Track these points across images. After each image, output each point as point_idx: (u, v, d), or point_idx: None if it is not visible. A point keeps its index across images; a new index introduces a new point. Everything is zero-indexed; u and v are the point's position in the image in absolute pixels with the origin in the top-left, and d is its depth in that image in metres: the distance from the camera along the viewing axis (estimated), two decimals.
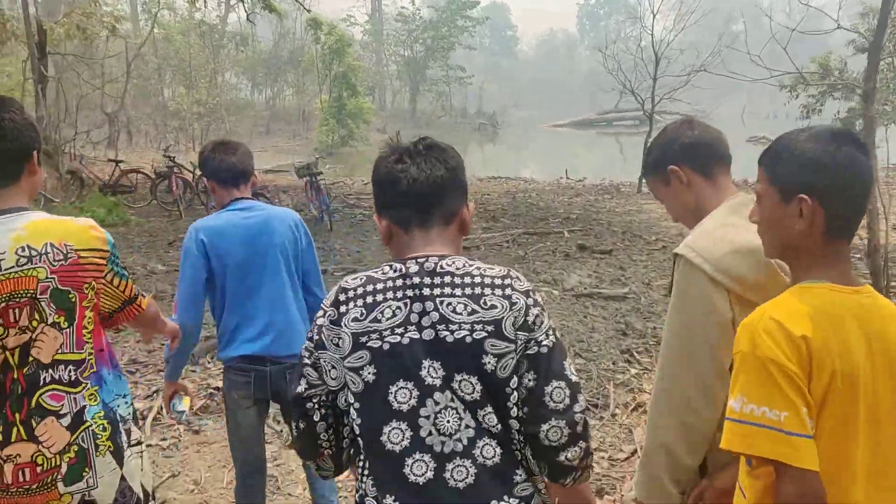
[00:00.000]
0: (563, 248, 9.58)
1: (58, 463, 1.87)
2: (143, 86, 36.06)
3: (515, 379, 1.48)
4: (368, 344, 1.46)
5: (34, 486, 1.87)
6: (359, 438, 1.49)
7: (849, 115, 20.83)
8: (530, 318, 1.49)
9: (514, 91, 72.74)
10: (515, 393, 1.48)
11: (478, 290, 1.48)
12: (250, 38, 45.48)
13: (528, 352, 1.49)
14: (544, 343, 1.50)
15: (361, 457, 1.50)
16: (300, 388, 1.52)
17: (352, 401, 1.47)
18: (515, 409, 1.49)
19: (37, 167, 1.97)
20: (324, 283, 2.93)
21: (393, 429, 1.44)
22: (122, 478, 1.94)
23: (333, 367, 1.48)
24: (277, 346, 2.71)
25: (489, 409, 1.47)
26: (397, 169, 1.55)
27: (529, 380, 1.48)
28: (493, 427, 1.47)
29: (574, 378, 1.52)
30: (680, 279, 1.79)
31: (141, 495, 2.02)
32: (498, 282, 1.50)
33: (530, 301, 1.51)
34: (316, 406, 1.52)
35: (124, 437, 1.98)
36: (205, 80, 34.82)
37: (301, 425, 1.54)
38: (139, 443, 2.05)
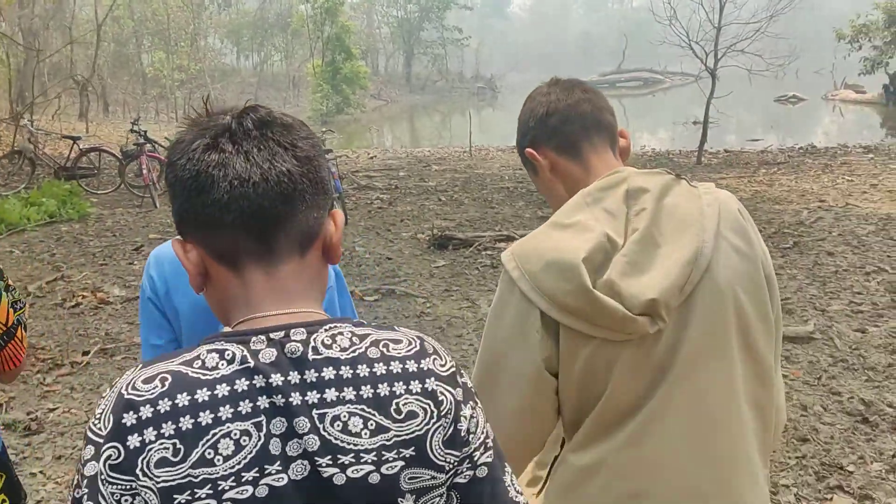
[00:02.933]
0: None
1: None
2: (120, 52, 33.56)
3: None
4: None
5: None
6: None
7: None
8: (463, 426, 0.92)
9: (509, 54, 70.64)
10: None
11: (384, 389, 0.88)
12: None
13: (459, 479, 0.92)
14: (482, 461, 0.94)
15: None
16: None
17: None
18: None
19: None
20: None
21: None
22: None
23: None
24: None
25: None
26: (209, 162, 0.88)
27: None
28: None
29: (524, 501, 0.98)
30: (498, 292, 1.35)
31: None
32: (412, 367, 0.91)
33: (458, 394, 0.93)
34: None
35: None
36: (185, 43, 32.22)
37: None
38: None
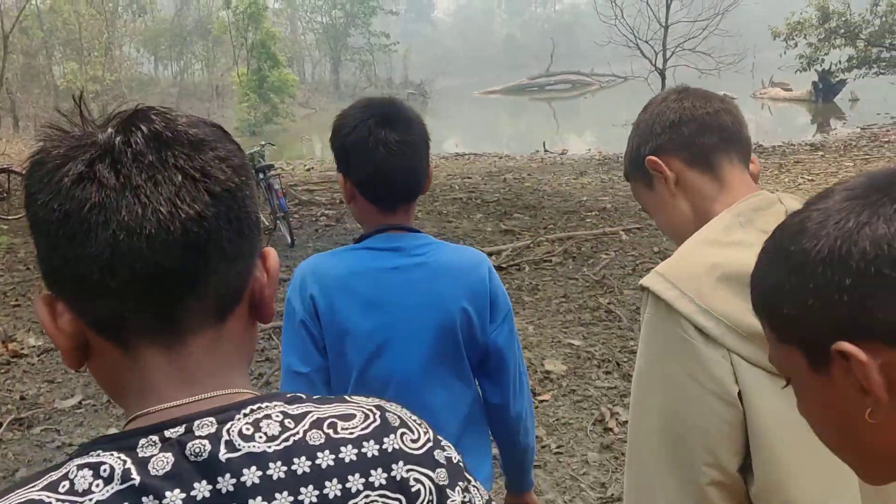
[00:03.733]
0: (645, 263, 6.63)
1: None
2: (30, 64, 31.70)
3: None
4: None
5: None
6: None
7: (849, 63, 18.78)
8: None
9: (436, 59, 70.65)
10: None
11: (333, 488, 0.66)
12: (148, 6, 41.36)
13: None
14: None
15: None
16: None
17: None
18: None
19: None
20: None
21: None
22: None
23: None
24: None
25: None
26: (82, 201, 0.63)
27: None
28: None
29: None
30: (650, 328, 1.10)
31: None
32: (372, 450, 0.69)
33: (441, 476, 0.72)
34: None
35: None
36: (99, 53, 30.59)
37: None
38: None
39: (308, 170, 16.24)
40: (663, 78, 12.86)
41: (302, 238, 8.55)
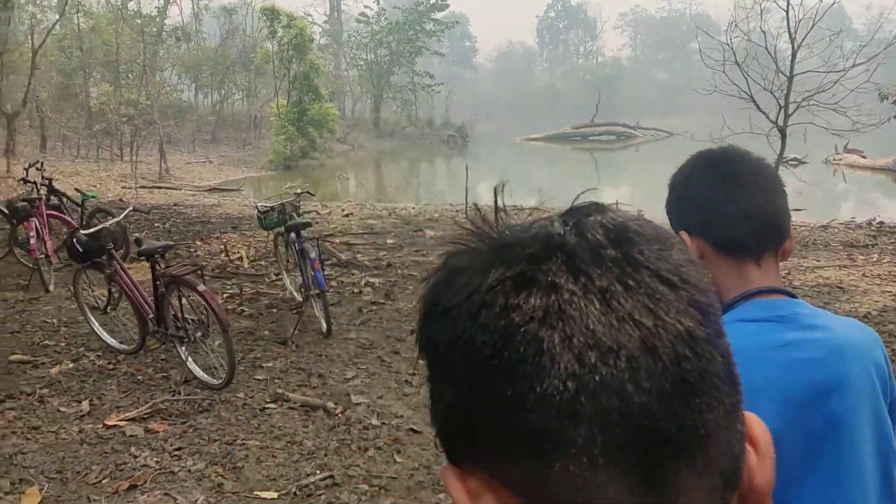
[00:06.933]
0: None
1: None
2: (67, 84, 30.53)
3: None
4: None
5: None
6: None
7: None
8: None
9: (476, 103, 69.58)
10: None
11: None
12: (194, 34, 40.46)
13: None
14: None
15: None
16: None
17: None
18: None
19: None
20: None
21: None
22: None
23: None
24: None
25: None
26: (528, 311, 0.45)
27: None
28: None
29: None
30: None
31: None
32: None
33: None
34: None
35: None
36: (137, 76, 29.29)
37: None
38: None
39: (346, 215, 14.19)
40: (783, 136, 10.61)
41: (341, 322, 6.35)
